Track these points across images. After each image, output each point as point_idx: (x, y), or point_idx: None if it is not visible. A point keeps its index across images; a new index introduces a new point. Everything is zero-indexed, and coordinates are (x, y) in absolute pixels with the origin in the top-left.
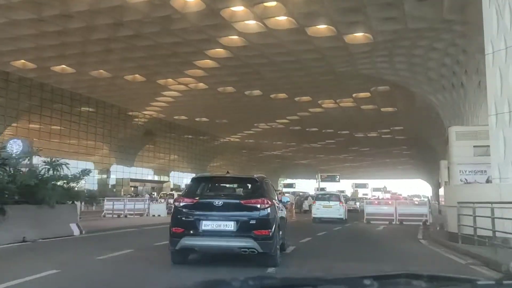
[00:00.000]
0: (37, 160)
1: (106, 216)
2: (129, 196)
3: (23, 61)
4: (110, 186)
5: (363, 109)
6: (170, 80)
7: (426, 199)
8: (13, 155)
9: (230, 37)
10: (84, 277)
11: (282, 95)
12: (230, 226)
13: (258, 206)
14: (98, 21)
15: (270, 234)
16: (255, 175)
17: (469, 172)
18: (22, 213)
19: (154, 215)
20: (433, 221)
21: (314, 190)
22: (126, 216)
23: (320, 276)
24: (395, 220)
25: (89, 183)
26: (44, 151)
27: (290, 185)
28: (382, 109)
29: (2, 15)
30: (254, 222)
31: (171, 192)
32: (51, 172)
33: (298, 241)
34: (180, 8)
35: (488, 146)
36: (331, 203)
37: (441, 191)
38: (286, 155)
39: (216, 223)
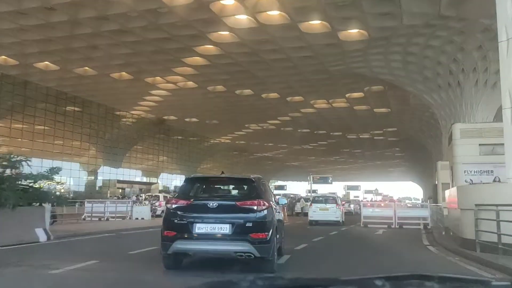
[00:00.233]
0: None
1: (87, 219)
2: (115, 198)
3: (4, 57)
4: (98, 188)
5: (356, 110)
6: (158, 78)
7: (425, 202)
8: None
9: (220, 32)
10: None
11: (273, 95)
12: (225, 229)
13: (255, 208)
14: (81, 15)
15: (267, 237)
16: (251, 176)
17: (474, 172)
18: None
19: (137, 218)
20: (433, 225)
21: (305, 192)
22: (107, 219)
23: (331, 276)
24: (394, 223)
25: (76, 185)
26: (27, 152)
27: (281, 187)
28: (376, 110)
29: None
30: (251, 224)
31: (156, 194)
32: (9, 170)
33: (293, 248)
34: (168, 1)
35: (495, 144)
36: (328, 205)
37: (447, 192)
38: (277, 157)
39: (210, 226)
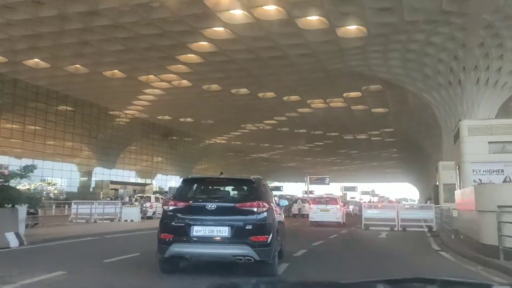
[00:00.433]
0: None
1: (74, 221)
2: (108, 199)
3: None
4: (92, 189)
5: (354, 110)
6: (151, 76)
7: (423, 203)
8: None
9: (214, 28)
10: None
11: (270, 94)
12: (224, 231)
13: (255, 209)
14: (71, 9)
15: (268, 240)
16: (251, 176)
17: (483, 171)
18: None
19: (126, 220)
20: (438, 228)
21: (302, 193)
22: (95, 222)
23: (333, 280)
24: (397, 226)
25: (69, 186)
26: (16, 152)
27: (277, 188)
28: (373, 110)
29: None
30: (251, 227)
31: (147, 195)
32: None
33: (291, 255)
34: None
35: (506, 142)
36: (329, 206)
37: (457, 193)
38: (274, 157)
39: (208, 228)
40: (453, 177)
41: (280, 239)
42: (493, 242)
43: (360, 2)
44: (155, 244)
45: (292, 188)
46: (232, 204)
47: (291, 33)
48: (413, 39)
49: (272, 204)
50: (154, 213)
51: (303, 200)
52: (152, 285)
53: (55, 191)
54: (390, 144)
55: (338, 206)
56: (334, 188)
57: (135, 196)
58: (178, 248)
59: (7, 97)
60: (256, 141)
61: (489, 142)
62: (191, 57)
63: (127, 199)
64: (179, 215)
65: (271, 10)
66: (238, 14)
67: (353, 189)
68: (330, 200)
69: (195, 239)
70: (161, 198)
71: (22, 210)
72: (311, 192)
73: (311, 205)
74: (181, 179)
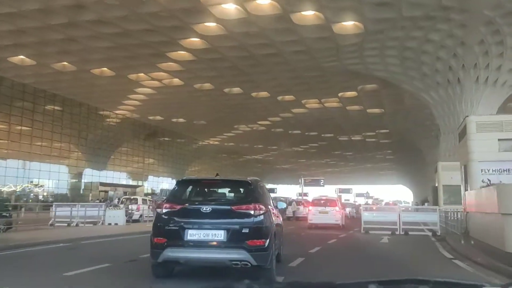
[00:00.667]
0: None
1: (54, 224)
2: (97, 201)
3: None
4: (81, 191)
5: (349, 110)
6: (142, 75)
7: (420, 205)
8: None
9: (206, 24)
10: None
11: (264, 94)
12: (220, 235)
13: (252, 212)
14: (55, 1)
15: (265, 244)
16: (248, 178)
17: (492, 171)
18: None
19: (110, 224)
20: (443, 232)
21: (296, 195)
22: (77, 225)
23: (327, 281)
24: (399, 229)
25: (56, 188)
26: (2, 153)
27: (271, 190)
28: (368, 110)
29: None
30: (247, 231)
31: (134, 197)
32: None
33: (286, 265)
34: None
35: None
36: (328, 208)
37: (469, 194)
38: (267, 159)
39: (204, 232)
40: (453, 178)
41: (278, 243)
42: None
43: None
44: (132, 252)
45: (287, 190)
46: (228, 207)
47: (286, 29)
48: (411, 36)
49: (269, 206)
50: (141, 216)
51: (298, 202)
52: (168, 279)
53: (44, 193)
54: (385, 145)
55: (337, 208)
56: (328, 190)
57: (121, 198)
58: (171, 253)
59: None
60: (249, 143)
61: (498, 140)
62: (182, 54)
63: (116, 201)
64: (173, 218)
65: (264, 4)
66: (230, 8)
67: (348, 191)
68: (329, 202)
69: (189, 243)
70: (149, 200)
71: None
72: (305, 194)
73: (310, 207)
74: (174, 181)
